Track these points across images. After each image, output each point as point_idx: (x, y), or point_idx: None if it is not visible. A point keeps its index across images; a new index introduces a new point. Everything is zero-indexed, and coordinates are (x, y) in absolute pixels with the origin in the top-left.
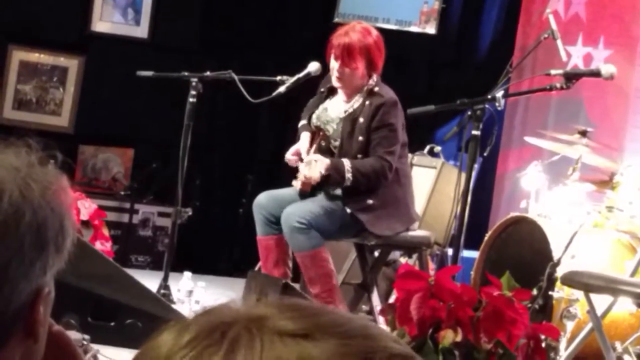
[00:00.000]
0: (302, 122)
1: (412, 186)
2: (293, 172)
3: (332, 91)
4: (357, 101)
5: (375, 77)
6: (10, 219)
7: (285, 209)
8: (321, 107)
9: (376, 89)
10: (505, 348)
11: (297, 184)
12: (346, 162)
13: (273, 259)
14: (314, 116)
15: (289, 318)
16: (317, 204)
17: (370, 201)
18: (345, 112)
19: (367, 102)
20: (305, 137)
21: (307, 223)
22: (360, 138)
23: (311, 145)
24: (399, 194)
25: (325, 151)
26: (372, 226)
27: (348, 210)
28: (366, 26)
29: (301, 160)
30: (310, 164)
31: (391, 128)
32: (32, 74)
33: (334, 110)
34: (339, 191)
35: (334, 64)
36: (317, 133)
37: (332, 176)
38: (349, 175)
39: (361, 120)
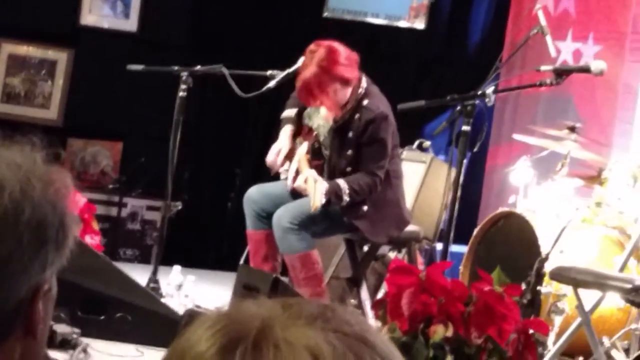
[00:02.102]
0: (287, 114)
1: (403, 185)
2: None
3: None
4: (347, 113)
5: (363, 84)
6: (10, 215)
7: (277, 210)
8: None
9: (365, 101)
10: (495, 343)
11: (288, 181)
12: (342, 184)
13: (262, 253)
14: (305, 113)
15: (306, 325)
16: (309, 205)
17: (364, 208)
18: (335, 122)
19: (356, 116)
20: (286, 132)
21: (299, 224)
22: (350, 152)
23: (304, 138)
24: (391, 196)
25: (317, 153)
26: (368, 232)
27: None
28: (325, 47)
29: (286, 158)
30: (310, 184)
31: (382, 143)
32: (20, 66)
33: (325, 114)
34: None
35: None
36: (309, 132)
37: (332, 201)
38: (346, 197)
39: (350, 134)
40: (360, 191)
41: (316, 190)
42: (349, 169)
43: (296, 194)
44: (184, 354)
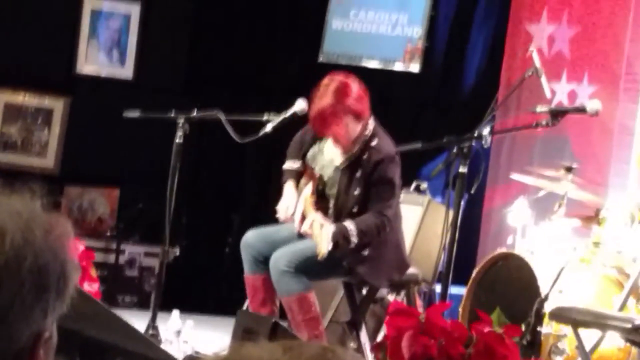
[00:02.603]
0: (289, 165)
1: (402, 227)
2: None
3: None
4: (355, 152)
5: (371, 124)
6: (11, 262)
7: (275, 252)
8: (317, 147)
9: (374, 142)
10: None
11: (295, 223)
12: (349, 226)
13: (260, 297)
14: (308, 155)
15: None
16: (310, 248)
17: (365, 252)
18: (342, 163)
19: (365, 156)
20: (290, 187)
21: (296, 267)
22: (357, 192)
23: (307, 180)
24: (392, 238)
25: (320, 196)
26: (368, 276)
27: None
28: (341, 82)
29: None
30: (316, 229)
31: (390, 183)
32: (17, 115)
33: (329, 153)
34: None
35: (325, 139)
36: (311, 174)
37: (340, 244)
38: (354, 239)
39: (358, 174)
40: (368, 232)
41: (322, 236)
42: (355, 208)
43: (301, 236)
44: None
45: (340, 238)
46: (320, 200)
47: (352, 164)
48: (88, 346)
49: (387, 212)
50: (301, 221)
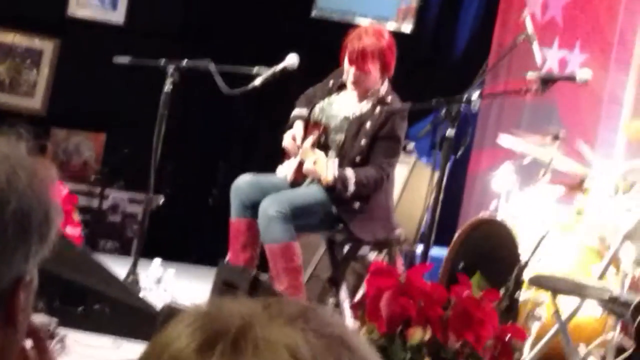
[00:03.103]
0: (298, 111)
1: (393, 191)
2: (267, 161)
3: (341, 87)
4: (366, 105)
5: (386, 83)
6: None
7: (265, 199)
8: (327, 100)
9: (388, 98)
10: (472, 348)
11: (288, 172)
12: (349, 173)
13: (242, 242)
14: (317, 108)
15: (286, 324)
16: (300, 196)
17: (356, 205)
18: (353, 113)
19: (377, 109)
20: (299, 125)
21: (285, 214)
22: (363, 142)
23: (307, 136)
24: (383, 200)
25: (322, 146)
26: (356, 229)
27: (333, 209)
28: (379, 29)
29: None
30: (321, 162)
31: (397, 140)
32: (6, 54)
33: (340, 107)
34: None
35: (349, 68)
36: (315, 126)
37: (337, 187)
38: (351, 187)
39: (368, 124)
40: (367, 183)
41: (328, 165)
42: (358, 158)
43: (294, 186)
44: (163, 350)
45: (339, 182)
46: (322, 150)
47: (363, 115)
48: (68, 290)
49: (388, 168)
50: (298, 169)
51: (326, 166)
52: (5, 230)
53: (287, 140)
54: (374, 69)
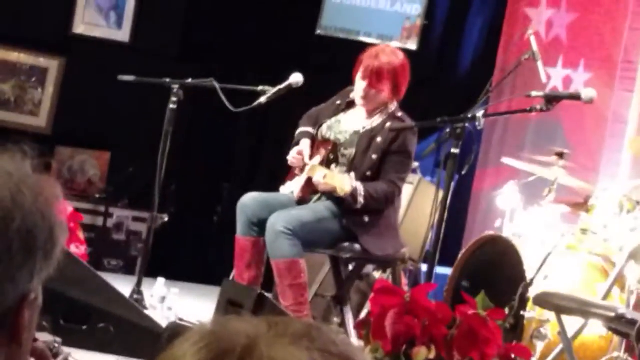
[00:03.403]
0: (304, 129)
1: (400, 209)
2: (271, 180)
3: (348, 105)
4: (376, 120)
5: (396, 103)
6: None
7: (272, 215)
8: (334, 119)
9: (400, 114)
10: None
11: (295, 190)
12: (359, 187)
13: (247, 260)
14: (324, 126)
15: (291, 343)
16: (308, 212)
17: (366, 219)
18: (363, 127)
19: (387, 124)
20: (306, 143)
21: (293, 230)
22: (374, 156)
23: (314, 155)
24: (393, 216)
25: (332, 162)
26: (366, 243)
27: (342, 223)
28: (395, 49)
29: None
30: (332, 175)
31: (408, 155)
32: (11, 73)
33: (349, 123)
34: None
35: (361, 84)
36: (323, 144)
37: (346, 200)
38: (361, 199)
39: (379, 139)
40: (376, 197)
41: (343, 177)
42: (369, 173)
43: (300, 203)
44: None
45: (348, 195)
46: (330, 167)
47: (374, 129)
48: (72, 309)
49: (400, 183)
50: (305, 186)
51: (340, 178)
52: (10, 248)
53: (292, 156)
54: (386, 87)
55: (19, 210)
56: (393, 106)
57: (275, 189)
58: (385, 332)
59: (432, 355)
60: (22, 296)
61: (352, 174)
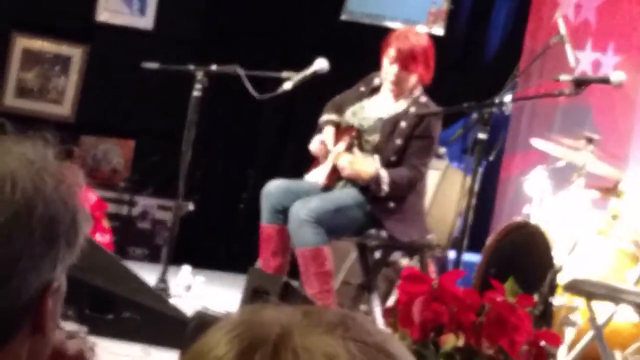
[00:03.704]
0: (327, 116)
1: (425, 195)
2: (296, 167)
3: (372, 92)
4: (401, 105)
5: (420, 89)
6: (22, 212)
7: (295, 203)
8: (358, 105)
9: (423, 99)
10: (506, 354)
11: (320, 178)
12: (383, 173)
13: (272, 248)
14: (348, 112)
15: (325, 333)
16: (331, 200)
17: (391, 204)
18: (387, 113)
19: (411, 109)
20: (329, 131)
21: (316, 218)
22: (398, 142)
23: (338, 141)
24: (417, 202)
25: (356, 149)
26: (392, 229)
27: (366, 209)
28: (420, 32)
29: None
30: (357, 160)
31: (431, 141)
32: (34, 61)
33: (373, 109)
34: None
35: (392, 68)
36: (347, 130)
37: (371, 186)
38: (385, 187)
39: (403, 124)
40: (400, 183)
41: (367, 161)
42: (393, 158)
43: (325, 190)
44: (202, 358)
45: (372, 182)
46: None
47: (397, 115)
48: (97, 297)
49: (422, 169)
50: (330, 174)
51: (364, 161)
52: (33, 236)
53: (314, 145)
54: (418, 69)
55: (41, 198)
56: (417, 91)
57: (300, 176)
58: (413, 319)
59: (461, 342)
60: (45, 285)
61: (377, 157)
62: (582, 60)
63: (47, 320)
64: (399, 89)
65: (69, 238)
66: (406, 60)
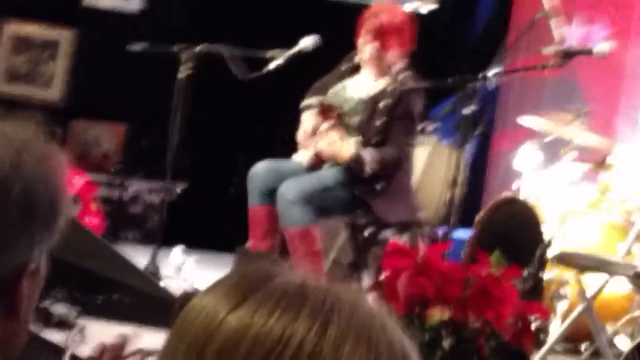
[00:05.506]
0: (307, 102)
1: (412, 173)
2: (286, 148)
3: (353, 70)
4: (381, 84)
5: (403, 61)
6: None
7: (283, 183)
8: (340, 84)
9: (400, 76)
10: (493, 327)
11: (305, 158)
12: (365, 154)
13: (262, 230)
14: (330, 92)
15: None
16: (319, 180)
17: (378, 186)
18: (367, 94)
19: (392, 87)
20: (308, 117)
21: (305, 197)
22: (379, 122)
23: (323, 121)
24: (404, 181)
25: (339, 130)
26: (379, 210)
27: (352, 190)
28: (394, 6)
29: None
30: (336, 143)
31: (412, 119)
32: (23, 46)
33: (354, 89)
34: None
35: (367, 47)
36: (330, 111)
37: (353, 167)
38: (367, 167)
39: (382, 104)
40: (384, 163)
41: (346, 142)
42: (376, 139)
43: (312, 170)
44: (192, 310)
45: (353, 163)
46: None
47: (376, 95)
48: (86, 279)
49: (405, 147)
50: (316, 157)
51: (344, 144)
52: (8, 216)
53: (299, 137)
54: (392, 44)
55: (19, 177)
56: (398, 67)
57: (290, 157)
58: (398, 294)
59: (447, 316)
60: (21, 267)
61: (358, 138)
62: (568, 35)
63: (22, 304)
64: (377, 67)
65: (48, 220)
66: (378, 37)
